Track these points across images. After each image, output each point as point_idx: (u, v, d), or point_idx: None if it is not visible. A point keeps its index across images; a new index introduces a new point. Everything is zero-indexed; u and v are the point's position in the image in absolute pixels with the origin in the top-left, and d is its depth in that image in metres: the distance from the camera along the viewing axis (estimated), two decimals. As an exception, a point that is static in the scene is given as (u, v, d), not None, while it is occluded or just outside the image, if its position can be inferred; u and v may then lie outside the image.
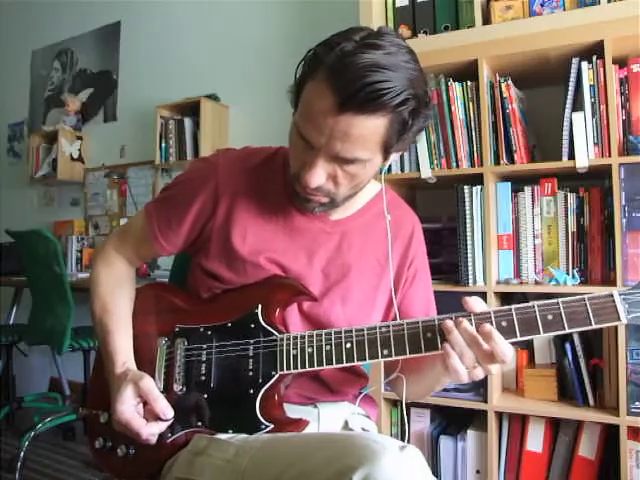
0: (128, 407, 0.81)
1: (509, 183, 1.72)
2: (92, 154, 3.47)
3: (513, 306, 0.74)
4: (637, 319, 0.70)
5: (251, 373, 0.83)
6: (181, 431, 0.85)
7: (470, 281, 1.69)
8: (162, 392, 0.85)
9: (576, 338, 1.61)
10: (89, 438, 0.92)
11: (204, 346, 0.87)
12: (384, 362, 0.92)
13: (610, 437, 1.56)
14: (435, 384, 0.90)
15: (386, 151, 0.77)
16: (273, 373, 0.82)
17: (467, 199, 1.71)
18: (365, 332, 0.79)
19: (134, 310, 0.95)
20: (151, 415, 0.82)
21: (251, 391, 0.82)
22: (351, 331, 0.80)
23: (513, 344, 0.74)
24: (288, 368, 0.81)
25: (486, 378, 1.61)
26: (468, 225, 1.71)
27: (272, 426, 0.80)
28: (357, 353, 0.79)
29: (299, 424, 0.82)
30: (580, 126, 1.57)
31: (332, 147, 0.73)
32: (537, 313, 0.73)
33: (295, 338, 0.82)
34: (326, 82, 0.71)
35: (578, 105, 1.62)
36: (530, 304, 0.73)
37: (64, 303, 2.25)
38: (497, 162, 1.70)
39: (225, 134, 2.87)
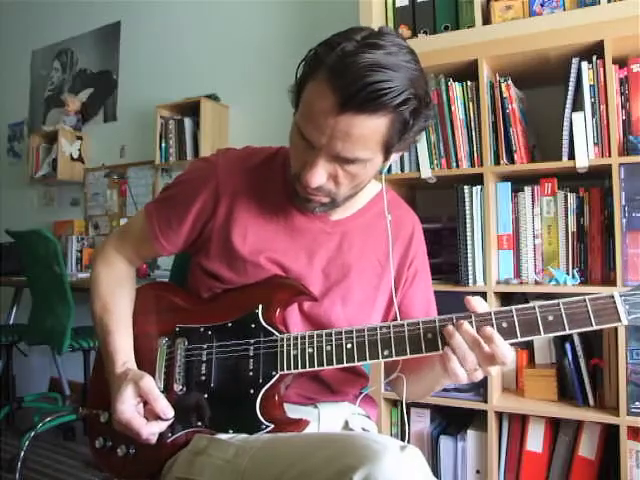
0: (128, 407, 0.81)
1: (509, 183, 1.72)
2: (92, 154, 3.47)
3: (514, 307, 0.74)
4: (638, 320, 0.70)
5: (251, 373, 0.83)
6: (181, 431, 0.85)
7: (470, 281, 1.70)
8: (162, 392, 0.85)
9: (576, 338, 1.61)
10: (89, 438, 0.92)
11: (204, 346, 0.87)
12: (384, 362, 0.92)
13: (610, 437, 1.56)
14: (435, 384, 0.90)
15: (387, 151, 0.77)
16: (273, 373, 0.82)
17: (467, 199, 1.71)
18: (366, 332, 0.79)
19: (134, 310, 0.95)
20: (151, 415, 0.82)
21: (251, 391, 0.82)
22: (352, 331, 0.80)
23: (513, 344, 0.74)
24: (289, 368, 0.81)
25: (486, 378, 1.61)
26: (468, 225, 1.71)
27: (272, 426, 0.80)
28: (358, 353, 0.79)
29: (299, 424, 0.82)
30: (580, 126, 1.57)
31: (333, 147, 0.73)
32: (538, 314, 0.73)
33: (295, 338, 0.82)
34: (327, 82, 0.71)
35: (578, 105, 1.62)
36: (531, 305, 0.73)
37: (64, 303, 2.25)
38: (497, 162, 1.70)
39: (225, 134, 2.87)
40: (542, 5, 1.73)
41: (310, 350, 0.80)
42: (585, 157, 1.57)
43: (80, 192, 3.52)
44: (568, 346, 1.61)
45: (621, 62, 1.58)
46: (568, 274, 1.63)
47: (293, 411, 0.85)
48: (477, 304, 0.75)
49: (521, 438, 1.68)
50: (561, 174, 1.67)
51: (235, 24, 2.89)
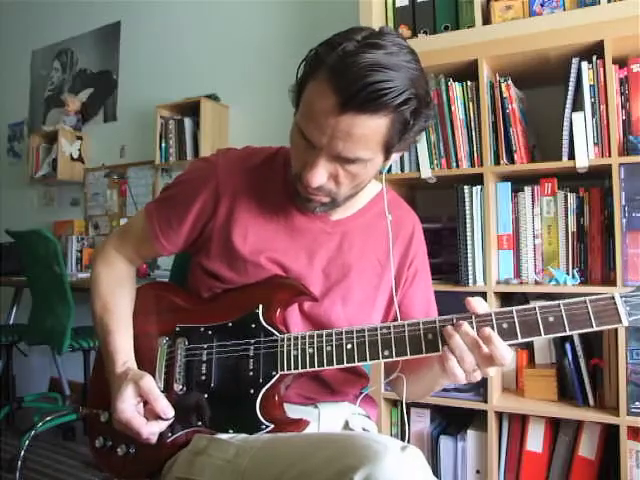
0: (128, 406, 0.81)
1: (509, 183, 1.72)
2: (92, 154, 3.47)
3: (514, 308, 0.74)
4: (638, 321, 0.70)
5: (252, 373, 0.83)
6: (181, 431, 0.85)
7: (470, 281, 1.70)
8: (162, 391, 0.85)
9: (576, 338, 1.61)
10: (89, 437, 0.92)
11: (205, 346, 0.87)
12: (384, 362, 0.92)
13: (610, 437, 1.56)
14: (434, 384, 0.90)
15: (387, 151, 0.77)
16: (274, 373, 0.82)
17: (467, 199, 1.71)
18: (366, 333, 0.79)
19: (135, 309, 0.95)
20: (151, 414, 0.82)
21: (252, 391, 0.82)
22: (352, 332, 0.80)
23: (513, 344, 0.74)
24: (289, 368, 0.81)
25: (486, 378, 1.60)
26: (468, 225, 1.71)
27: (272, 426, 0.80)
28: (358, 354, 0.78)
29: (299, 424, 0.82)
30: (580, 126, 1.58)
31: (334, 147, 0.73)
32: (538, 315, 0.73)
33: (296, 338, 0.82)
34: (328, 82, 0.71)
35: (578, 105, 1.62)
36: (531, 306, 0.73)
37: (64, 303, 2.25)
38: (497, 162, 1.70)
39: (225, 134, 2.87)
40: (542, 5, 1.73)
41: (310, 350, 0.80)
42: (585, 157, 1.57)
43: (80, 192, 3.52)
44: (568, 346, 1.62)
45: (621, 62, 1.58)
46: (568, 274, 1.63)
47: (293, 411, 0.85)
48: (477, 305, 0.75)
49: (521, 438, 1.68)
50: (561, 174, 1.67)
51: (235, 24, 2.89)
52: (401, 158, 1.83)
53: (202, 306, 0.92)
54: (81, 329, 2.43)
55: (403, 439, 0.81)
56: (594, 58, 1.57)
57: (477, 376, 0.75)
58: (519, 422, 1.69)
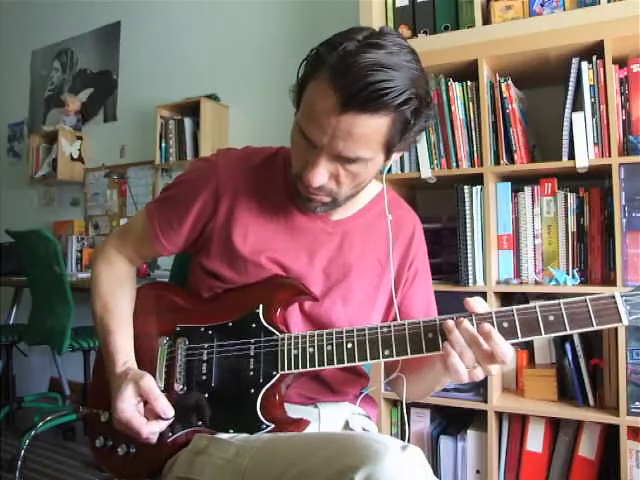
0: (129, 406, 0.81)
1: (509, 183, 1.72)
2: (92, 154, 3.47)
3: (514, 307, 0.74)
4: (638, 321, 0.70)
5: (252, 373, 0.83)
6: (182, 430, 0.85)
7: (470, 281, 1.70)
8: (163, 391, 0.85)
9: (576, 338, 1.61)
10: (89, 437, 0.92)
11: (205, 345, 0.87)
12: (384, 362, 0.92)
13: (610, 437, 1.56)
14: (435, 384, 0.90)
15: (388, 150, 0.77)
16: (274, 373, 0.82)
17: (467, 199, 1.71)
18: (366, 332, 0.79)
19: (135, 309, 0.95)
20: (152, 414, 0.82)
21: (252, 391, 0.82)
22: (352, 331, 0.80)
23: (513, 344, 0.74)
24: (289, 368, 0.81)
25: (486, 378, 1.61)
26: (468, 225, 1.71)
27: (273, 426, 0.80)
28: (358, 353, 0.79)
29: (300, 424, 0.82)
30: (580, 126, 1.58)
31: (334, 146, 0.73)
32: (539, 314, 0.73)
33: (296, 338, 0.82)
34: (328, 81, 0.71)
35: (578, 105, 1.62)
36: (531, 305, 0.73)
37: (64, 303, 2.25)
38: (497, 162, 1.70)
39: (225, 134, 2.87)
40: (542, 5, 1.73)
41: (311, 350, 0.80)
42: (585, 157, 1.57)
43: (80, 192, 3.52)
44: (568, 346, 1.62)
45: (621, 62, 1.58)
46: (568, 274, 1.63)
47: (293, 411, 0.85)
48: (476, 305, 0.75)
49: (521, 438, 1.68)
50: (561, 174, 1.67)
51: (235, 24, 2.89)
52: (401, 158, 1.83)
53: (202, 306, 0.92)
54: (81, 329, 2.43)
55: (403, 439, 0.81)
56: (594, 58, 1.57)
57: (479, 374, 0.75)
58: (519, 422, 1.69)
